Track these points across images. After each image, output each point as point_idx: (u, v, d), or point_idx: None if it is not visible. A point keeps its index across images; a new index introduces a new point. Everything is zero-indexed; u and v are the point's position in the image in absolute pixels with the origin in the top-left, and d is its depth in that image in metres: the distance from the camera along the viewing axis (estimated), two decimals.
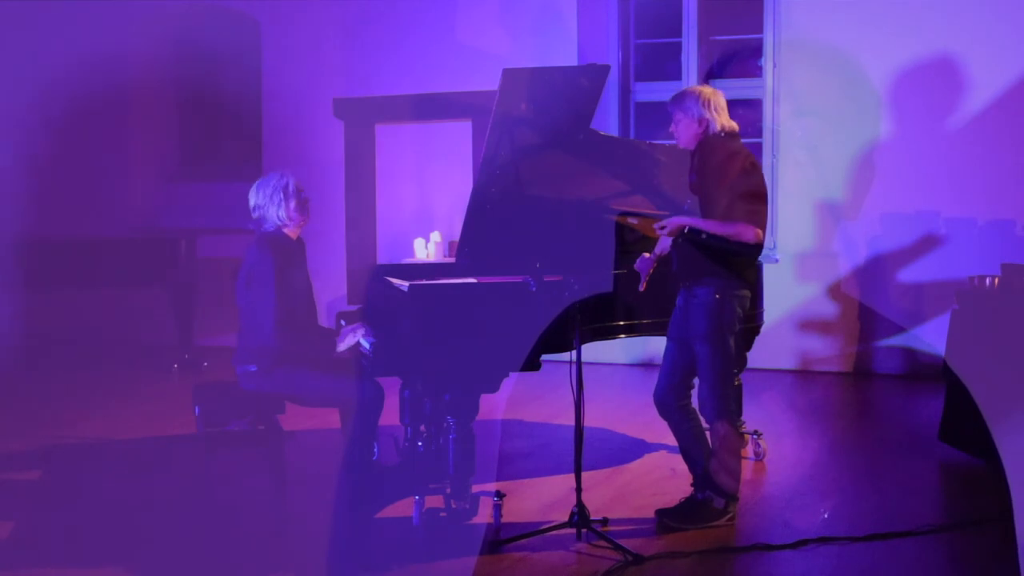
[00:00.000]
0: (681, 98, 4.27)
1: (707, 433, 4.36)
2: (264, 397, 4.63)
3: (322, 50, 8.90)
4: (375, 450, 5.24)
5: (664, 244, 4.29)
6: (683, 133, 4.26)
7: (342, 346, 4.58)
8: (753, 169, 4.20)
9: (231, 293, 4.87)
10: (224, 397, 4.67)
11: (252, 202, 4.64)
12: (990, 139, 7.25)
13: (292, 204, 4.60)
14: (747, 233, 4.08)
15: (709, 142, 4.19)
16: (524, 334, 4.21)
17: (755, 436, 5.29)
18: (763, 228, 4.20)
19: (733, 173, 4.12)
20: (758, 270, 5.15)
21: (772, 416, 6.25)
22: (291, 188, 4.62)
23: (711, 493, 4.27)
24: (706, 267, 4.17)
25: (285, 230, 4.64)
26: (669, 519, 4.25)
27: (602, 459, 5.28)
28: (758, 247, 4.20)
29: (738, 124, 4.30)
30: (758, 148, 7.92)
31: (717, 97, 4.25)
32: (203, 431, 4.55)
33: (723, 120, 4.22)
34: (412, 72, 8.57)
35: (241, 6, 9.20)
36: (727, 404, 4.26)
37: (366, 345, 4.59)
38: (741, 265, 4.20)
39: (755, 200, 4.15)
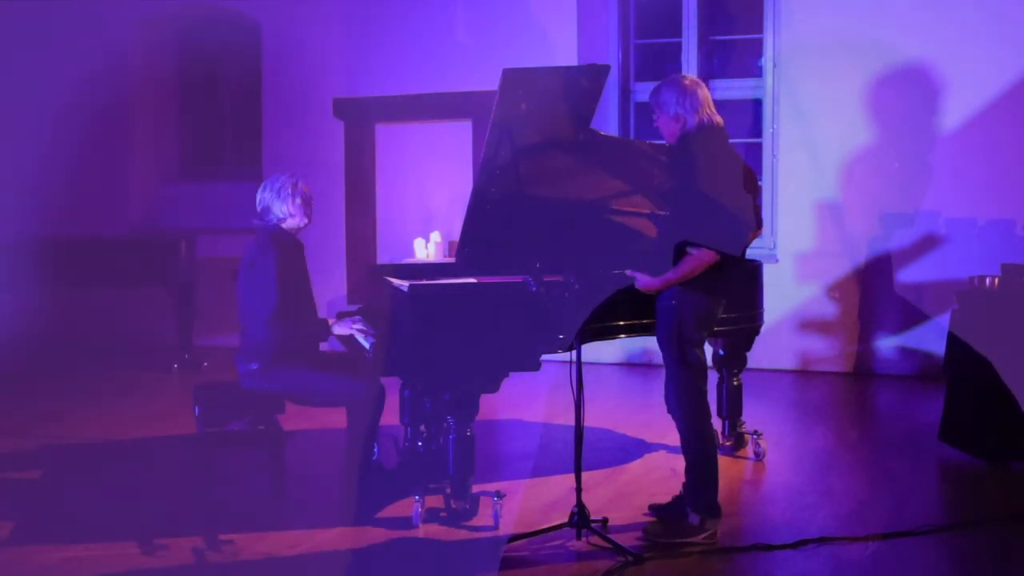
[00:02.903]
0: (658, 92, 4.13)
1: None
2: (264, 397, 4.63)
3: (322, 50, 8.90)
4: (375, 450, 5.25)
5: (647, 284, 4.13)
6: (663, 130, 4.14)
7: (338, 329, 4.61)
8: (723, 171, 4.02)
9: (231, 293, 4.88)
10: (224, 397, 4.67)
11: (259, 197, 4.73)
12: (990, 139, 7.25)
13: (297, 200, 4.68)
14: (705, 257, 3.94)
15: (683, 143, 4.05)
16: (524, 334, 4.20)
17: (755, 436, 5.29)
18: (744, 222, 4.08)
19: (701, 180, 3.96)
20: (743, 275, 4.98)
21: (772, 416, 6.24)
22: (299, 187, 4.71)
23: (688, 506, 4.12)
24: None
25: (285, 225, 4.69)
26: (653, 532, 4.10)
27: (602, 459, 5.28)
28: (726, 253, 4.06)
29: (723, 119, 4.11)
30: (758, 148, 7.91)
31: (697, 89, 4.07)
32: (203, 431, 4.55)
33: (703, 114, 4.04)
34: (412, 72, 8.57)
35: (241, 6, 9.20)
36: (691, 410, 4.07)
37: (366, 345, 4.60)
38: (702, 272, 4.01)
39: (719, 209, 3.98)
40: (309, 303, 4.79)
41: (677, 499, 4.23)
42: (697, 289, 4.04)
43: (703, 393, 4.11)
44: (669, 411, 4.15)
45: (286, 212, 4.68)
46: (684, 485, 4.15)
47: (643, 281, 4.10)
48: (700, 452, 4.09)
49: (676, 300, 4.05)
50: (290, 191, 4.69)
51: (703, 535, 4.05)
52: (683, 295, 4.04)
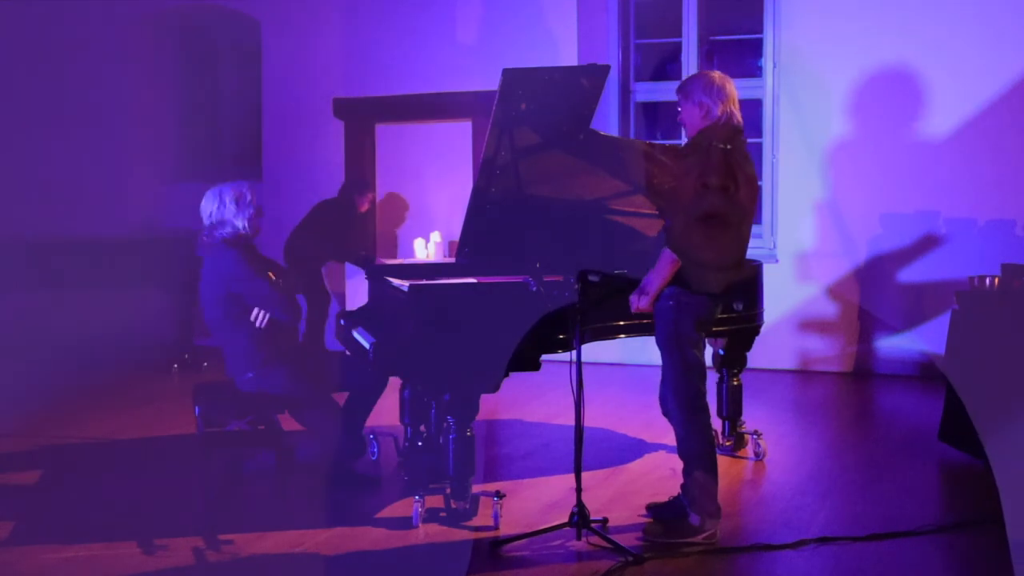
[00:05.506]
0: (685, 83, 4.12)
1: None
2: (264, 397, 4.64)
3: (322, 50, 8.91)
4: (375, 450, 5.26)
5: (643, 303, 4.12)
6: (686, 120, 4.10)
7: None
8: (734, 176, 3.95)
9: None
10: (224, 397, 4.67)
11: (212, 210, 4.66)
12: (990, 139, 7.26)
13: (251, 212, 4.67)
14: (668, 259, 3.94)
15: (701, 138, 3.99)
16: (524, 334, 4.20)
17: (755, 436, 5.29)
18: (730, 246, 4.03)
19: (699, 184, 3.91)
20: (747, 273, 5.01)
21: (772, 416, 6.25)
22: (248, 198, 4.67)
23: (687, 507, 4.10)
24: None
25: (240, 235, 4.69)
26: (653, 532, 4.09)
27: (602, 459, 5.28)
28: (725, 258, 4.04)
29: (742, 119, 4.08)
30: (758, 148, 7.92)
31: (725, 83, 4.05)
32: (203, 431, 4.55)
33: (727, 108, 4.01)
34: (412, 72, 8.57)
35: (241, 6, 9.21)
36: (690, 410, 4.04)
37: (366, 345, 4.60)
38: (701, 273, 4.00)
39: (710, 221, 3.94)
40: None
41: (676, 499, 4.22)
42: (696, 290, 4.03)
43: (701, 393, 4.10)
44: (664, 412, 4.14)
45: (244, 227, 4.66)
46: (683, 486, 4.15)
47: (635, 303, 4.10)
48: (699, 452, 4.08)
49: (674, 301, 4.04)
50: (248, 202, 4.67)
51: (703, 535, 4.05)
52: (682, 296, 4.03)
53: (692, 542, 4.02)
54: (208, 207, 4.66)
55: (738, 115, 4.08)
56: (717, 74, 4.12)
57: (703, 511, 4.06)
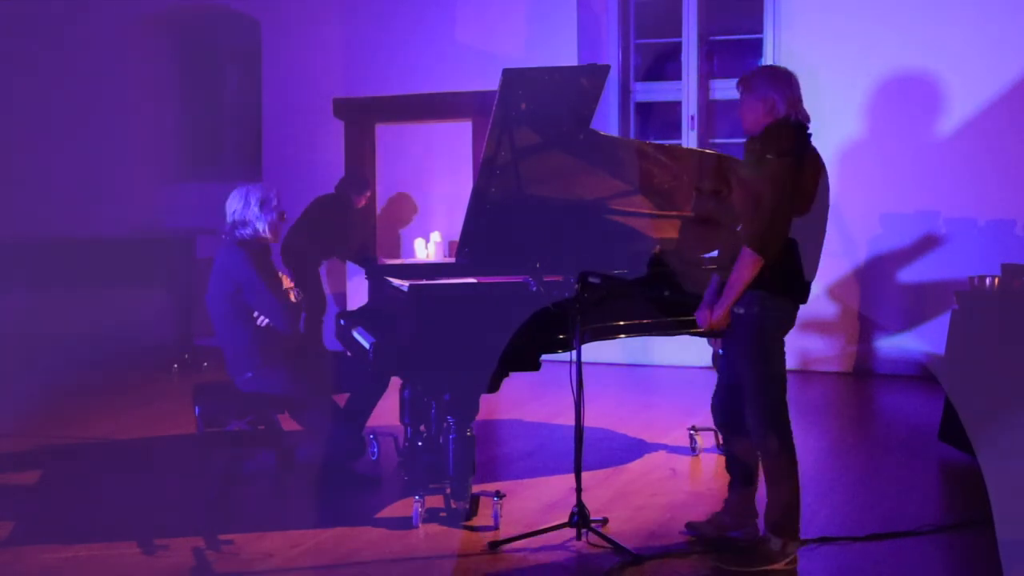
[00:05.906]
0: (748, 76, 3.88)
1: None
2: (264, 397, 4.64)
3: (322, 50, 8.90)
4: (375, 450, 5.26)
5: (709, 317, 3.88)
6: (747, 115, 3.83)
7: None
8: (808, 179, 3.70)
9: None
10: (224, 397, 4.68)
11: (235, 209, 4.69)
12: (990, 139, 7.25)
13: (274, 216, 4.69)
14: (750, 259, 3.67)
15: (778, 132, 3.74)
16: (524, 334, 4.20)
17: None
18: (812, 253, 3.78)
19: (788, 188, 3.64)
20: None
21: None
22: (274, 202, 4.70)
23: (769, 530, 3.80)
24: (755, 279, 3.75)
25: (260, 237, 4.70)
26: (727, 562, 3.81)
27: (602, 459, 5.28)
28: (810, 265, 3.81)
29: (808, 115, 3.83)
30: None
31: (790, 77, 3.81)
32: (203, 431, 4.55)
33: (793, 105, 3.76)
34: (412, 72, 8.57)
35: (241, 6, 9.21)
36: (782, 427, 3.84)
37: (366, 344, 4.60)
38: (786, 277, 3.78)
39: (810, 213, 3.70)
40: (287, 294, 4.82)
41: (716, 517, 4.11)
42: (778, 292, 3.77)
43: (786, 408, 3.89)
44: (722, 423, 3.92)
45: (264, 230, 4.68)
46: (764, 511, 3.88)
47: (705, 317, 3.88)
48: (786, 472, 3.80)
49: (758, 307, 3.77)
50: (273, 206, 4.69)
51: (785, 560, 3.79)
52: (766, 300, 3.76)
53: (774, 569, 3.76)
54: (233, 205, 4.71)
55: (804, 110, 3.82)
56: (783, 68, 3.92)
57: (789, 534, 3.78)
